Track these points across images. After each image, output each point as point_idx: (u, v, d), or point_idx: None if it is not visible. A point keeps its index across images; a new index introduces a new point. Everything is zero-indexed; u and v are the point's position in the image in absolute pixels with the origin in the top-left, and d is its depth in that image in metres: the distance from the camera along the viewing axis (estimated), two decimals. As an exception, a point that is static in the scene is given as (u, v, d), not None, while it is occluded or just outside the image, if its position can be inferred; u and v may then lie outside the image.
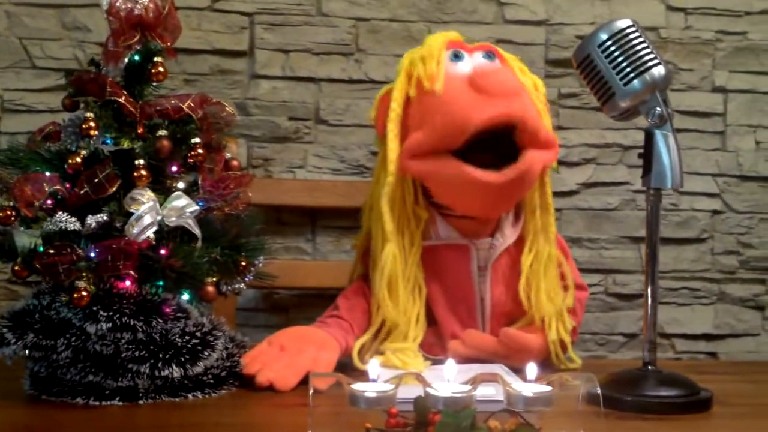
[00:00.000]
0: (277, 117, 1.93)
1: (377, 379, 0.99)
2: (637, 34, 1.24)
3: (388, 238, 1.40)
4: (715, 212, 2.04)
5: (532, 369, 1.01)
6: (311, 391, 1.00)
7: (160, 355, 1.16)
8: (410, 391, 0.99)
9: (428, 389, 0.97)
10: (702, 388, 1.23)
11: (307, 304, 1.93)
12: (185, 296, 1.22)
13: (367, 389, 0.97)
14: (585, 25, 1.99)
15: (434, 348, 1.43)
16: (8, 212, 1.19)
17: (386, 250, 1.40)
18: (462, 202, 1.41)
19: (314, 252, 1.95)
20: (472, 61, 1.40)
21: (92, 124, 1.20)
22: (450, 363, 1.02)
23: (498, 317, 1.45)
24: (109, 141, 1.22)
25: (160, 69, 1.25)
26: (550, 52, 1.99)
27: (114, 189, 1.18)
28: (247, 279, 1.29)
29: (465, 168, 1.33)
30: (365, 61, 1.95)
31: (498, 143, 1.33)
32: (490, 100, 1.32)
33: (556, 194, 1.50)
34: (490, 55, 1.42)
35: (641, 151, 1.26)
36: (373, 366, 1.00)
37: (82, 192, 1.18)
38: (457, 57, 1.40)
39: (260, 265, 1.31)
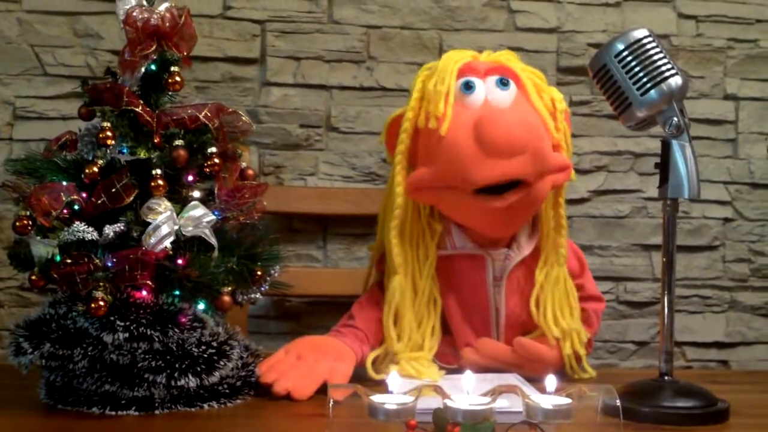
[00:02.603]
0: (288, 124, 1.93)
1: (395, 390, 0.99)
2: (653, 44, 1.24)
3: (396, 270, 1.41)
4: (727, 220, 2.04)
5: (551, 381, 1.00)
6: (330, 403, 1.00)
7: (177, 365, 1.16)
8: (429, 402, 0.99)
9: (447, 401, 0.97)
10: (719, 398, 1.23)
11: (318, 312, 1.93)
12: (201, 306, 1.22)
13: (387, 401, 0.97)
14: (597, 32, 1.99)
15: (448, 358, 1.43)
16: (25, 222, 1.19)
17: (394, 282, 1.40)
18: (471, 223, 1.42)
19: (325, 259, 1.95)
20: (486, 90, 1.38)
21: (109, 133, 1.21)
22: (468, 374, 1.02)
23: (512, 328, 1.45)
24: (125, 150, 1.22)
25: (177, 78, 1.26)
26: (561, 60, 1.99)
27: (131, 199, 1.18)
28: (263, 288, 1.29)
29: (468, 196, 1.34)
30: (376, 68, 1.95)
31: None
32: (492, 160, 1.30)
33: (568, 202, 1.50)
34: (504, 82, 1.39)
35: (656, 160, 1.26)
36: (393, 378, 1.00)
37: (99, 201, 1.18)
38: (468, 88, 1.37)
39: (276, 274, 1.31)
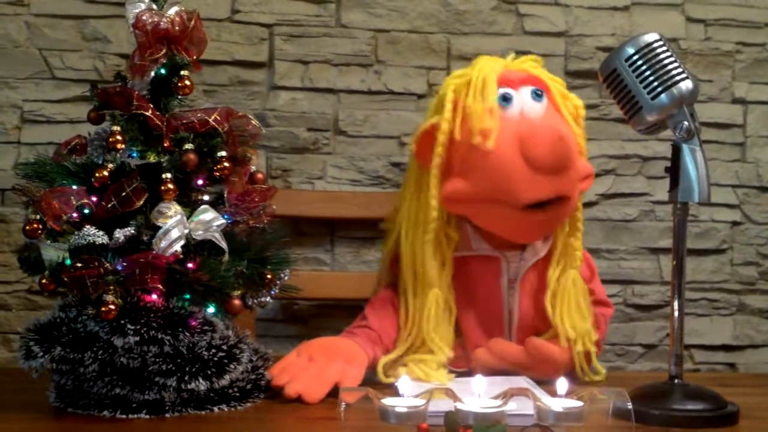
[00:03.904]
0: (296, 128, 1.93)
1: (406, 393, 0.99)
2: (664, 48, 1.24)
3: (432, 284, 1.41)
4: (735, 223, 2.04)
5: (563, 384, 1.00)
6: (342, 406, 1.00)
7: (187, 368, 1.16)
8: (440, 405, 0.99)
9: (458, 404, 0.97)
10: (728, 401, 1.23)
11: (326, 315, 1.93)
12: (211, 309, 1.22)
13: (398, 404, 0.97)
14: (605, 36, 1.99)
15: (459, 360, 1.43)
16: (35, 225, 1.19)
17: (430, 298, 1.40)
18: (505, 233, 1.42)
19: (333, 263, 1.95)
20: (521, 101, 1.38)
21: (119, 137, 1.21)
22: (479, 377, 1.02)
23: (525, 330, 1.45)
24: (135, 154, 1.23)
25: (187, 83, 1.26)
26: (569, 64, 1.99)
27: (141, 203, 1.19)
28: (273, 292, 1.29)
29: (510, 211, 1.35)
30: (384, 72, 1.95)
31: None
32: (541, 178, 1.32)
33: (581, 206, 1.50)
34: (538, 93, 1.39)
35: (664, 163, 1.26)
36: (403, 382, 1.00)
37: (109, 205, 1.18)
38: (505, 100, 1.38)
39: (286, 278, 1.31)
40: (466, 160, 1.37)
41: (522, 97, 1.39)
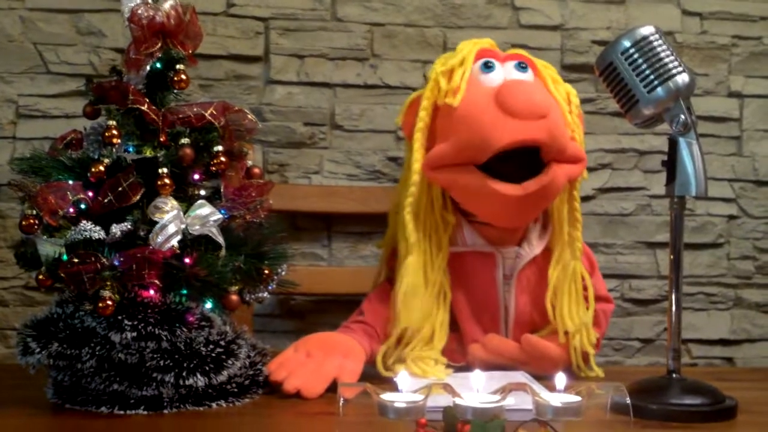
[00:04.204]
0: (292, 122, 1.93)
1: (405, 389, 0.99)
2: (660, 41, 1.24)
3: (410, 250, 1.40)
4: (731, 217, 2.04)
5: (561, 379, 1.00)
6: (340, 401, 0.99)
7: (185, 364, 1.16)
8: (438, 400, 0.99)
9: (457, 399, 0.97)
10: (726, 396, 1.23)
11: (323, 310, 1.92)
12: (208, 305, 1.22)
13: (397, 399, 0.97)
14: (601, 29, 1.98)
15: (455, 355, 1.43)
16: (31, 221, 1.19)
17: (407, 261, 1.39)
18: (484, 211, 1.41)
19: (330, 258, 1.95)
20: (504, 72, 1.39)
21: (115, 132, 1.21)
22: (477, 372, 1.02)
23: (521, 326, 1.45)
24: (131, 149, 1.22)
25: (183, 77, 1.25)
26: (565, 57, 1.98)
27: (137, 197, 1.18)
28: (270, 287, 1.29)
29: (486, 180, 1.34)
30: (380, 66, 1.95)
31: (523, 154, 1.33)
32: (514, 122, 1.31)
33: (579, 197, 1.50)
34: (522, 66, 1.40)
35: (661, 157, 1.26)
36: (402, 377, 1.00)
37: (105, 200, 1.18)
38: (488, 67, 1.39)
39: (283, 273, 1.30)
40: (445, 121, 1.38)
41: (506, 68, 1.40)
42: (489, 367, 1.37)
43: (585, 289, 1.46)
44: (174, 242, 1.16)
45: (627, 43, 1.24)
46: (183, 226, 1.18)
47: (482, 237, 1.44)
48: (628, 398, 1.05)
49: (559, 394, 1.00)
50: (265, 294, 1.29)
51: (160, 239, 1.15)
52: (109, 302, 1.12)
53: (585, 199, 1.99)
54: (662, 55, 1.23)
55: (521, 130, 1.31)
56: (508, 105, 1.31)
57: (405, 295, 1.37)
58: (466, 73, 1.38)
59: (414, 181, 1.39)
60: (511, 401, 1.00)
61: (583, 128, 1.45)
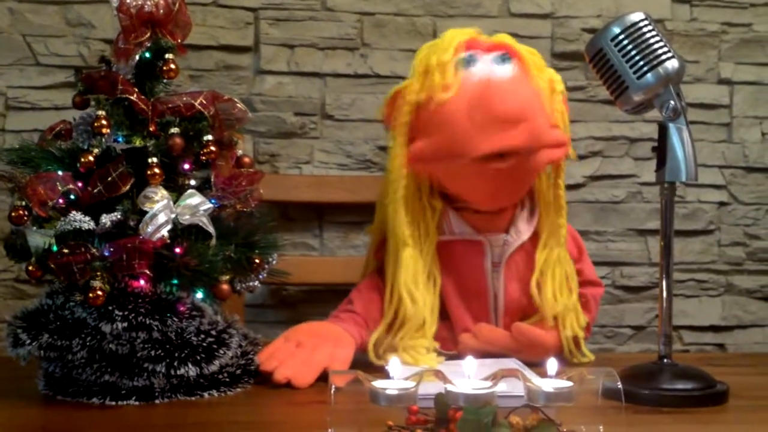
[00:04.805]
0: (282, 112, 1.93)
1: (396, 376, 0.98)
2: (649, 27, 1.23)
3: (407, 243, 1.40)
4: (722, 204, 2.04)
5: (552, 365, 1.00)
6: (332, 389, 0.99)
7: (176, 354, 1.16)
8: (430, 387, 0.99)
9: (448, 386, 0.97)
10: (717, 381, 1.23)
11: (315, 300, 1.92)
12: (199, 294, 1.22)
13: (388, 386, 0.96)
14: (591, 17, 1.98)
15: (447, 343, 1.43)
16: (21, 212, 1.18)
17: (404, 254, 1.39)
18: (468, 191, 1.41)
19: (322, 248, 1.95)
20: (485, 65, 1.37)
21: (104, 122, 1.20)
22: (469, 359, 1.02)
23: (511, 313, 1.45)
24: (121, 139, 1.22)
25: (172, 66, 1.25)
26: (555, 46, 1.98)
27: (127, 187, 1.17)
28: (261, 276, 1.29)
29: (468, 163, 1.34)
30: (370, 55, 1.95)
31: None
32: (492, 129, 1.31)
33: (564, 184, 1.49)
34: (504, 57, 1.38)
35: (651, 144, 1.26)
36: (393, 364, 0.99)
37: (95, 191, 1.17)
38: (469, 62, 1.37)
39: (274, 262, 1.30)
40: (426, 118, 1.37)
41: (488, 61, 1.38)
42: (481, 356, 1.36)
43: (579, 274, 1.46)
44: (164, 232, 1.16)
45: (616, 30, 1.24)
46: (173, 216, 1.17)
47: (469, 225, 1.44)
48: (619, 383, 1.05)
49: (550, 380, 1.00)
50: (256, 283, 1.29)
51: (150, 229, 1.15)
52: (100, 293, 1.11)
53: (576, 186, 1.99)
54: (652, 41, 1.23)
55: (500, 138, 1.32)
56: (486, 111, 1.31)
57: (407, 287, 1.38)
58: (451, 70, 1.36)
59: (402, 175, 1.39)
60: (502, 387, 1.00)
61: (568, 112, 1.44)
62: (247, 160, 1.32)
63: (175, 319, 1.16)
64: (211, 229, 1.20)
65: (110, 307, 1.13)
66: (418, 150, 1.38)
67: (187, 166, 1.23)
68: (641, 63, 1.22)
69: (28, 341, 1.15)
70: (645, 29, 1.23)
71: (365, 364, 1.33)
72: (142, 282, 1.15)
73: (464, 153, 1.33)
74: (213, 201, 1.22)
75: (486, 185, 1.38)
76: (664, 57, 1.22)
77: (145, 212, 1.16)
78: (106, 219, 1.15)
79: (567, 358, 1.43)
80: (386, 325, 1.40)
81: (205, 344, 1.18)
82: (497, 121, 1.31)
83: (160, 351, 1.15)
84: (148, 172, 1.18)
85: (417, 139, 1.39)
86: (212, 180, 1.25)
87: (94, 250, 1.13)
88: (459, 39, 1.40)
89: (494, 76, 1.36)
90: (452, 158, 1.35)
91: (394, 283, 1.40)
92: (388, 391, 0.96)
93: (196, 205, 1.19)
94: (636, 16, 1.24)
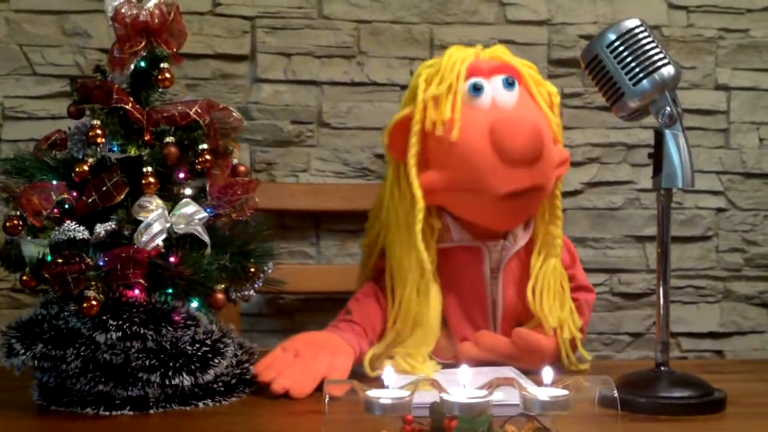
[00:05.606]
0: (279, 121, 1.93)
1: (391, 385, 0.98)
2: (645, 33, 1.23)
3: (432, 279, 1.39)
4: (720, 210, 2.04)
5: (548, 373, 1.00)
6: (326, 399, 0.99)
7: (171, 364, 1.15)
8: (425, 396, 0.99)
9: (443, 395, 0.96)
10: (715, 388, 1.23)
11: (311, 309, 1.92)
12: (194, 304, 1.21)
13: (383, 396, 0.96)
14: (587, 24, 1.98)
15: (444, 351, 1.42)
16: (15, 222, 1.17)
17: (432, 292, 1.39)
18: (481, 220, 1.42)
19: (318, 256, 1.94)
20: (492, 91, 1.37)
21: (99, 131, 1.20)
22: (464, 368, 1.01)
23: (509, 319, 1.44)
24: (115, 148, 1.21)
25: (167, 75, 1.25)
26: (552, 52, 1.98)
27: (122, 197, 1.17)
28: (256, 285, 1.28)
29: (485, 198, 1.35)
30: (367, 63, 1.95)
31: None
32: (514, 170, 1.32)
33: (560, 194, 1.49)
34: (510, 82, 1.38)
35: (649, 150, 1.25)
36: (388, 373, 0.99)
37: (89, 200, 1.17)
38: (476, 90, 1.37)
39: (269, 271, 1.30)
40: (438, 151, 1.37)
41: (493, 86, 1.38)
42: (479, 364, 1.36)
43: (572, 279, 1.46)
44: (159, 241, 1.15)
45: (612, 36, 1.24)
46: (168, 225, 1.17)
47: (468, 232, 1.44)
48: (615, 391, 1.05)
49: (546, 389, 0.99)
50: (251, 292, 1.29)
51: (144, 238, 1.15)
52: (94, 302, 1.11)
53: (573, 193, 1.99)
54: (648, 47, 1.23)
55: (519, 179, 1.33)
56: (507, 151, 1.31)
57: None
58: (458, 103, 1.35)
59: (420, 208, 1.37)
60: (498, 396, 0.99)
61: (561, 124, 1.45)
62: (242, 168, 1.32)
63: (169, 328, 1.15)
64: (206, 238, 1.20)
65: (104, 317, 1.12)
66: (430, 182, 1.38)
67: (182, 175, 1.23)
68: (637, 69, 1.22)
69: (22, 351, 1.14)
70: (641, 35, 1.23)
71: (363, 375, 1.33)
72: (136, 291, 1.15)
73: (484, 192, 1.34)
74: (208, 210, 1.22)
75: (501, 215, 1.40)
76: (659, 63, 1.22)
77: (140, 221, 1.16)
78: (100, 228, 1.15)
79: (565, 365, 1.42)
80: (387, 343, 1.40)
81: (200, 354, 1.18)
82: (517, 164, 1.32)
83: (154, 360, 1.15)
84: (143, 182, 1.18)
85: (427, 167, 1.39)
86: (207, 189, 1.25)
87: (89, 260, 1.13)
88: (461, 66, 1.38)
89: (500, 104, 1.37)
90: (469, 193, 1.36)
91: (411, 314, 1.40)
92: (382, 401, 0.95)
93: (191, 214, 1.19)
94: (632, 23, 1.24)
